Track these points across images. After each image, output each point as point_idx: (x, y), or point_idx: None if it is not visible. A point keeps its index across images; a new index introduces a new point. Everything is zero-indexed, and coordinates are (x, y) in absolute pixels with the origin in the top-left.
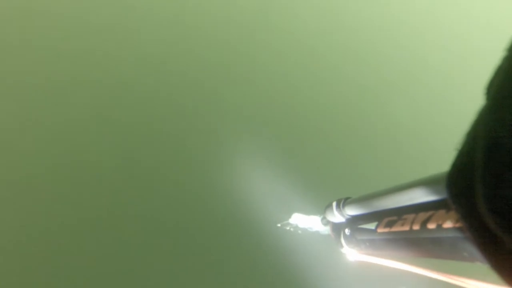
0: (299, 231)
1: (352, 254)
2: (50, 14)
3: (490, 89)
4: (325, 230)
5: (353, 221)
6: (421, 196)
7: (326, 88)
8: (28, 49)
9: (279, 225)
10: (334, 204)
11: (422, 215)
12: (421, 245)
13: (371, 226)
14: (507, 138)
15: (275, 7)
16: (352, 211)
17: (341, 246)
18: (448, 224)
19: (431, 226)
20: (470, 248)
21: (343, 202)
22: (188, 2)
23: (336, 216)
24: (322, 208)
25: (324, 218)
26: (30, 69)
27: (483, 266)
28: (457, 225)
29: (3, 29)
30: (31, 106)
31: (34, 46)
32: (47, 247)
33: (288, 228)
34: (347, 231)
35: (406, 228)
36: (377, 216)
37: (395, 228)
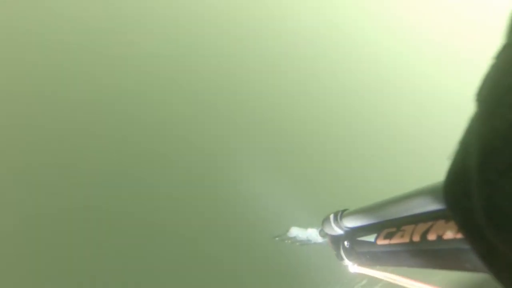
0: (297, 243)
1: (353, 267)
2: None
3: (480, 97)
4: (324, 241)
5: (352, 233)
6: (419, 206)
7: (323, 101)
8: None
9: (277, 238)
10: (332, 216)
11: (422, 226)
12: (422, 257)
13: (371, 238)
14: (500, 146)
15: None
16: (350, 223)
17: (341, 259)
18: (448, 235)
19: (431, 237)
20: (473, 259)
21: (341, 214)
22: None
23: (334, 229)
24: (320, 221)
25: (322, 230)
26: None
27: (486, 276)
28: (458, 236)
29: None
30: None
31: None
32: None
33: (285, 241)
34: (346, 243)
35: (406, 239)
36: (376, 227)
37: (395, 240)
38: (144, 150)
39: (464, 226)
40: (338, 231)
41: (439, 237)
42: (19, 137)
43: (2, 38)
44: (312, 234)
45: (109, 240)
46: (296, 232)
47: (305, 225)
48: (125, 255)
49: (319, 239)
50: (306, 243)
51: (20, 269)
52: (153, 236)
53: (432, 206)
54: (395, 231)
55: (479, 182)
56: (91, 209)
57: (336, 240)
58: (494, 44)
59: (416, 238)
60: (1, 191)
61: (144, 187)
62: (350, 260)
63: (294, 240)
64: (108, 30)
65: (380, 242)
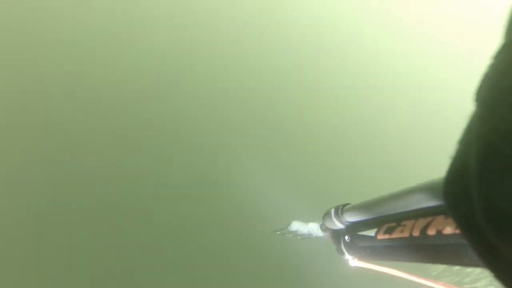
0: (298, 237)
1: (353, 261)
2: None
3: (479, 96)
4: (325, 236)
5: (353, 228)
6: (419, 201)
7: (323, 98)
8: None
9: (278, 232)
10: (333, 211)
11: (422, 221)
12: (422, 252)
13: (371, 232)
14: (500, 147)
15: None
16: (351, 217)
17: (342, 253)
18: (448, 230)
19: (431, 232)
20: (471, 254)
21: (342, 208)
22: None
23: (335, 223)
24: (321, 215)
25: (323, 224)
26: None
27: (485, 271)
28: (457, 231)
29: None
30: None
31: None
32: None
33: (286, 235)
34: (347, 238)
35: (406, 234)
36: (377, 222)
37: (395, 235)
38: (144, 149)
39: (464, 226)
40: (339, 225)
41: (439, 232)
42: (19, 137)
43: (2, 38)
44: (313, 228)
45: (109, 236)
46: (297, 226)
47: (306, 220)
48: (126, 251)
49: (320, 233)
50: (307, 237)
51: (20, 269)
52: (154, 233)
53: (432, 201)
54: (395, 226)
55: (479, 183)
56: (90, 208)
57: (336, 235)
58: (493, 43)
59: (416, 233)
60: (1, 190)
61: (145, 184)
62: (350, 254)
63: (295, 234)
64: (109, 28)
65: (381, 236)
